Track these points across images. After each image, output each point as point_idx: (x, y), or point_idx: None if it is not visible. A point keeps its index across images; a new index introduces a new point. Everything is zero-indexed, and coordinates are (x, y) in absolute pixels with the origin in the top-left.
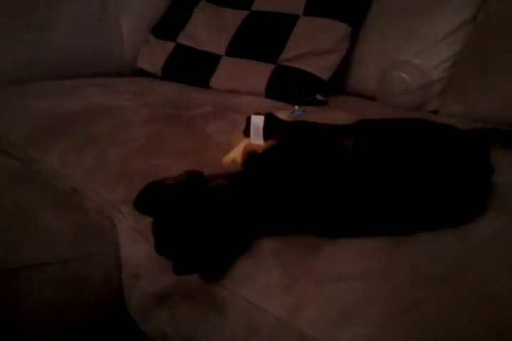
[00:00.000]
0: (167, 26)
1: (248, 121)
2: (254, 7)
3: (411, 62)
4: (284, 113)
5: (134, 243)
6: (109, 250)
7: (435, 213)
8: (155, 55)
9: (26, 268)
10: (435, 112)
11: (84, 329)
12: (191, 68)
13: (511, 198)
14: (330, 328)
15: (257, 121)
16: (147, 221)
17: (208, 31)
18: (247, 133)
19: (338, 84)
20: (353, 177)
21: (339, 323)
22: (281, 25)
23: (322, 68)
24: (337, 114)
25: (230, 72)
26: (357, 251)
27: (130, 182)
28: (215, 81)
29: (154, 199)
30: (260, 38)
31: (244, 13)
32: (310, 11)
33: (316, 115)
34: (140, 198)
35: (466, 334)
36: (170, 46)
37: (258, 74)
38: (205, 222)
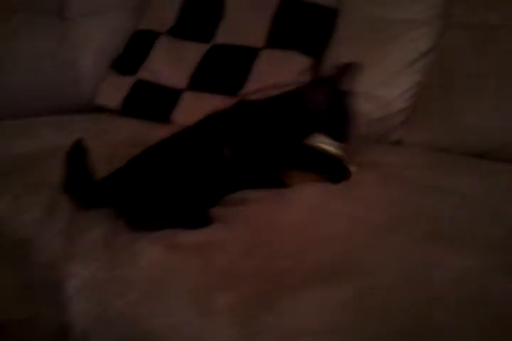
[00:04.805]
0: (127, 61)
1: None
2: (216, 40)
3: (372, 93)
4: None
5: (83, 302)
6: (58, 308)
7: None
8: (114, 90)
9: None
10: (399, 142)
11: None
12: (152, 103)
13: (460, 236)
14: None
15: None
16: (97, 278)
17: (168, 65)
18: None
19: None
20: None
21: None
22: (243, 58)
23: None
24: None
25: (192, 107)
26: (316, 305)
27: (84, 234)
28: (176, 116)
29: None
30: (222, 71)
31: (205, 46)
32: (271, 43)
33: None
34: None
35: None
36: (130, 81)
37: (220, 108)
38: None
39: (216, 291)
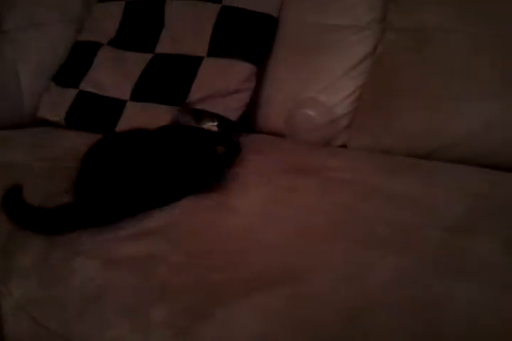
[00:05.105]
0: (69, 73)
1: None
2: (158, 49)
3: (316, 98)
4: None
5: (19, 321)
6: None
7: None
8: (57, 103)
9: None
10: (344, 146)
11: None
12: (96, 115)
13: (397, 238)
14: None
15: None
16: (33, 296)
17: (111, 76)
18: None
19: (247, 123)
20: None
21: None
22: (186, 67)
23: (230, 108)
24: None
25: (136, 117)
26: (251, 316)
27: (20, 251)
28: (121, 127)
29: None
30: (165, 81)
31: (148, 56)
32: (213, 52)
33: None
34: None
35: None
36: (72, 93)
37: (165, 118)
38: None
39: (152, 305)
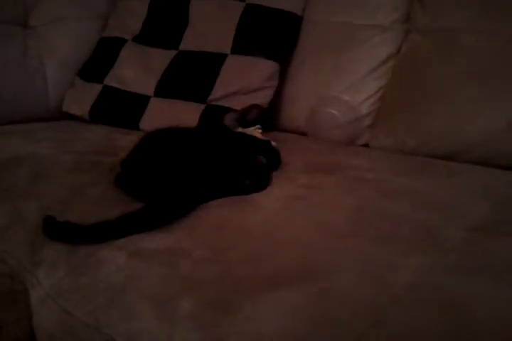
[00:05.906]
0: (94, 68)
1: None
2: (182, 46)
3: (340, 97)
4: None
5: (48, 310)
6: (21, 318)
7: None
8: (82, 98)
9: None
10: (366, 145)
11: None
12: (120, 110)
13: (418, 237)
14: None
15: None
16: (61, 286)
17: (135, 72)
18: None
19: (270, 121)
20: None
21: None
22: (210, 65)
23: None
24: None
25: (160, 113)
26: (274, 310)
27: (48, 243)
28: (144, 123)
29: None
30: (189, 77)
31: (172, 53)
32: (237, 49)
33: None
34: None
35: None
36: (97, 88)
37: (188, 114)
38: None
39: (179, 297)
